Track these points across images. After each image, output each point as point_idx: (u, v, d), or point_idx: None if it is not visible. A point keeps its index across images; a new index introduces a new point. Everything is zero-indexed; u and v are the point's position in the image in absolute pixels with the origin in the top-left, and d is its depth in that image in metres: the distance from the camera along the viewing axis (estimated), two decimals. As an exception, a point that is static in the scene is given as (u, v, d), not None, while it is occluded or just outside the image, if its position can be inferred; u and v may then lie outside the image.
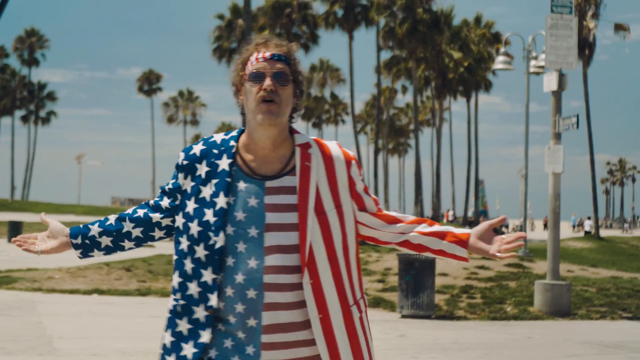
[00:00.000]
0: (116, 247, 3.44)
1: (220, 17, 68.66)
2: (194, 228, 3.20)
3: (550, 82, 16.28)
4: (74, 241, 3.43)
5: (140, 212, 3.41)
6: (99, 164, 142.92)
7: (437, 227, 3.36)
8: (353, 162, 3.33)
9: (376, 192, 62.66)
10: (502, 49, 30.72)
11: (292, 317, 3.14)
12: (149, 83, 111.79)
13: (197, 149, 3.30)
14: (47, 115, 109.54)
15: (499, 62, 29.54)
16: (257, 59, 3.21)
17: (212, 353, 3.19)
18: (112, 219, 3.43)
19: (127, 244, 3.43)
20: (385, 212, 3.40)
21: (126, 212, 3.45)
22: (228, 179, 3.20)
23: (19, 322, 12.65)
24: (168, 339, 3.26)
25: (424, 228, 3.35)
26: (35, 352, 9.96)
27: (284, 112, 3.19)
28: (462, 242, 3.32)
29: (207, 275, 3.16)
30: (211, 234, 3.15)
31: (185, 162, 3.30)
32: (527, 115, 29.97)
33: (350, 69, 61.27)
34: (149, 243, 3.51)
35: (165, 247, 37.60)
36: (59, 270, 21.08)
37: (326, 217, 3.19)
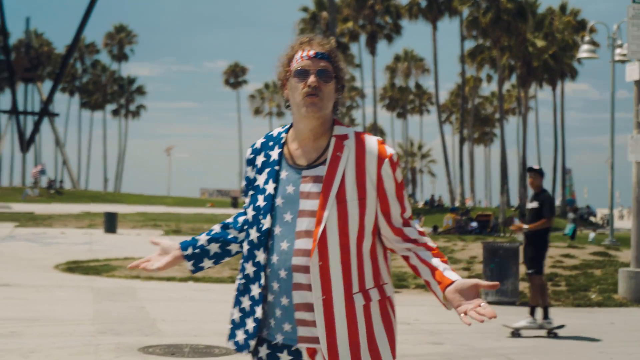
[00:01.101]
0: (224, 252, 3.67)
1: (305, 9, 69.46)
2: (250, 213, 3.47)
3: (632, 71, 16.43)
4: (185, 253, 3.65)
5: (241, 218, 3.68)
6: (187, 156, 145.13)
7: (435, 260, 3.40)
8: (387, 160, 3.40)
9: (462, 182, 62.58)
10: (587, 37, 30.59)
11: (308, 298, 3.33)
12: (235, 76, 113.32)
13: (259, 142, 3.57)
14: (137, 108, 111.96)
15: (583, 51, 29.46)
16: (302, 57, 3.42)
17: (264, 332, 3.46)
18: (217, 227, 3.69)
19: (233, 247, 3.67)
20: (405, 228, 3.45)
21: (229, 220, 3.71)
22: (276, 167, 3.43)
23: (123, 306, 13.46)
24: (236, 314, 3.52)
25: (425, 255, 3.42)
26: (141, 333, 10.70)
27: (326, 106, 3.38)
28: (444, 286, 3.35)
29: (259, 255, 3.40)
30: (261, 217, 3.40)
31: (250, 156, 3.57)
32: (612, 103, 29.95)
33: (434, 59, 61.40)
34: None
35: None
36: (155, 259, 21.96)
37: (346, 206, 3.32)
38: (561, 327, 11.87)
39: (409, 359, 9.41)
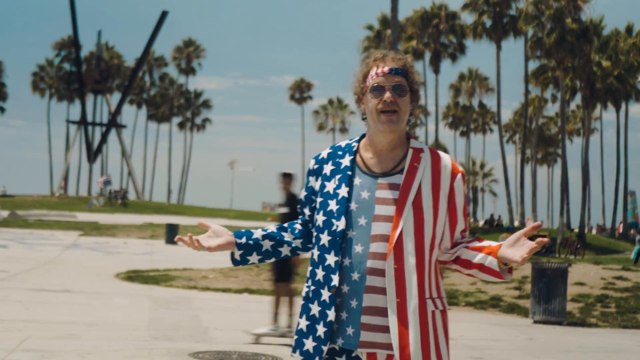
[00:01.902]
0: (274, 252, 3.71)
1: (370, 27, 70.04)
2: (320, 218, 3.54)
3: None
4: (239, 241, 3.67)
5: (298, 226, 3.75)
6: (250, 170, 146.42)
7: (483, 242, 3.56)
8: (459, 175, 3.57)
9: (522, 202, 62.37)
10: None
11: (378, 301, 3.42)
12: (300, 91, 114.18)
13: (325, 153, 3.68)
14: (203, 122, 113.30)
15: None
16: (377, 73, 3.53)
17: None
18: (272, 228, 3.74)
19: (285, 249, 3.72)
20: (460, 241, 3.62)
21: (284, 225, 3.78)
22: (349, 172, 3.54)
23: (178, 314, 14.00)
24: (303, 323, 3.54)
25: (472, 243, 3.57)
26: (193, 340, 11.21)
27: (402, 119, 3.51)
28: (494, 252, 3.47)
29: (330, 259, 3.46)
30: (334, 220, 3.47)
31: (315, 167, 3.66)
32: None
33: (497, 78, 61.36)
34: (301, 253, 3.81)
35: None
36: (212, 271, 22.59)
37: (422, 212, 3.44)
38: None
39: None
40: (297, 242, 3.73)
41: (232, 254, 3.69)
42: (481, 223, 78.30)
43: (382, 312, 3.40)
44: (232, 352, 10.26)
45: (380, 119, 3.48)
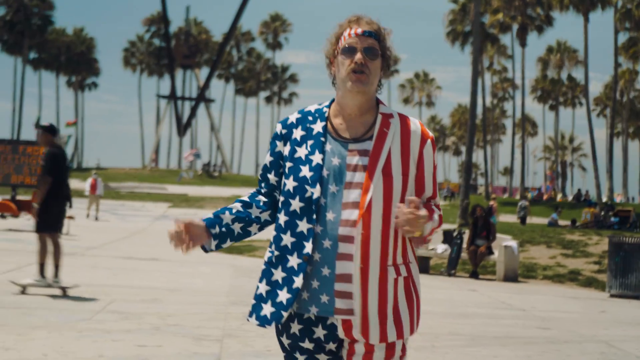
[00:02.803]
0: (245, 233, 3.58)
1: (455, 1, 69.54)
2: (290, 184, 3.43)
3: None
4: (213, 231, 3.51)
5: (262, 197, 3.61)
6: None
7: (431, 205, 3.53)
8: (429, 140, 3.50)
9: (611, 177, 61.41)
10: None
11: (351, 268, 3.36)
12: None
13: (293, 117, 3.58)
14: (289, 96, 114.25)
15: None
16: (349, 34, 3.46)
17: (295, 305, 3.42)
18: (237, 206, 3.59)
19: (254, 228, 3.59)
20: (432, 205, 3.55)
21: (246, 198, 3.62)
22: (322, 139, 3.46)
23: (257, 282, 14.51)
24: (263, 288, 3.45)
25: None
26: (269, 306, 11.68)
27: (371, 82, 3.44)
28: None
29: (302, 225, 3.39)
30: (307, 187, 3.39)
31: (284, 131, 3.55)
32: None
33: (585, 51, 60.36)
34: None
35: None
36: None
37: (392, 179, 3.38)
38: (74, 287, 11.68)
39: (514, 340, 10.01)
40: (265, 215, 3.60)
41: (203, 246, 3.53)
42: (570, 198, 77.41)
43: (351, 278, 3.35)
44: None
45: (349, 78, 3.42)
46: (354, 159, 3.41)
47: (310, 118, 3.54)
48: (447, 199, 77.69)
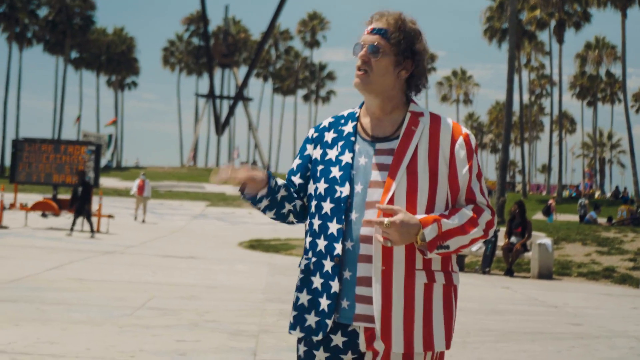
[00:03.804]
0: (281, 204, 3.47)
1: (492, -2, 69.43)
2: (321, 186, 3.35)
3: None
4: (270, 184, 3.42)
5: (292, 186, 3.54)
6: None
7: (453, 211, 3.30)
8: (461, 137, 3.32)
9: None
10: None
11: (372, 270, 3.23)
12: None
13: (326, 122, 3.53)
14: (327, 94, 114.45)
15: None
16: (364, 32, 3.41)
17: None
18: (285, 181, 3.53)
19: (287, 206, 3.49)
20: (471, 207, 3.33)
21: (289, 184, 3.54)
22: (352, 138, 3.38)
23: (294, 280, 14.75)
24: (305, 297, 3.32)
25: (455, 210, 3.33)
26: (304, 303, 11.94)
27: (374, 80, 3.33)
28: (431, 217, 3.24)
29: (333, 227, 3.27)
30: (337, 186, 3.29)
31: (315, 135, 3.50)
32: None
33: (622, 47, 59.99)
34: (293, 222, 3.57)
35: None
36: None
37: (417, 177, 3.23)
38: None
39: (544, 335, 10.17)
40: (298, 204, 3.51)
41: (244, 194, 3.44)
42: (608, 195, 76.89)
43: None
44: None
45: (355, 75, 3.38)
46: (381, 158, 3.30)
47: (342, 121, 3.48)
48: (484, 197, 77.55)
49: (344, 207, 3.26)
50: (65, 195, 34.89)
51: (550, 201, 38.94)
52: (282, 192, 3.45)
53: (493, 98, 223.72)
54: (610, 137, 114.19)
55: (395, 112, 3.39)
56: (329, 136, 3.46)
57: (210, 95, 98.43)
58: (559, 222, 33.69)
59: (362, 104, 3.50)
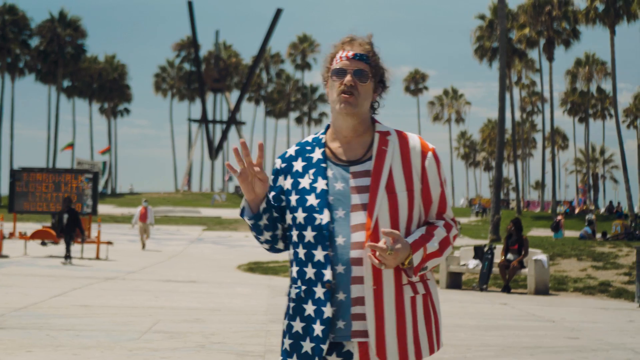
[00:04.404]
0: (273, 224, 3.53)
1: (482, 17, 69.98)
2: (300, 216, 3.42)
3: None
4: (268, 195, 3.52)
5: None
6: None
7: (421, 231, 3.44)
8: (430, 153, 3.48)
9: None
10: None
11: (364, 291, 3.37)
12: (415, 82, 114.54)
13: (291, 150, 3.59)
14: (319, 116, 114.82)
15: None
16: (341, 57, 3.48)
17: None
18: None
19: (279, 228, 3.56)
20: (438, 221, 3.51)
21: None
22: (323, 164, 3.46)
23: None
24: (299, 325, 3.39)
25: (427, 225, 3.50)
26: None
27: (361, 104, 3.45)
28: (415, 238, 3.40)
29: (319, 254, 3.36)
30: (316, 214, 3.38)
31: (282, 165, 3.56)
32: None
33: (612, 63, 60.48)
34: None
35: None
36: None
37: (396, 196, 3.38)
38: None
39: (542, 350, 10.40)
40: (281, 229, 3.58)
41: (243, 209, 3.53)
42: (602, 210, 77.23)
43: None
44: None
45: (339, 99, 3.44)
46: (357, 181, 3.40)
47: (308, 148, 3.55)
48: (478, 215, 77.85)
49: (327, 234, 3.35)
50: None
51: (559, 217, 39.16)
52: (274, 213, 3.54)
53: (485, 116, 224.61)
54: (602, 152, 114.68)
55: (366, 134, 3.51)
56: (298, 165, 3.52)
57: (203, 120, 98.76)
58: (568, 238, 33.93)
59: (327, 128, 3.58)
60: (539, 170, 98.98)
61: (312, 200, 3.42)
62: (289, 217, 3.49)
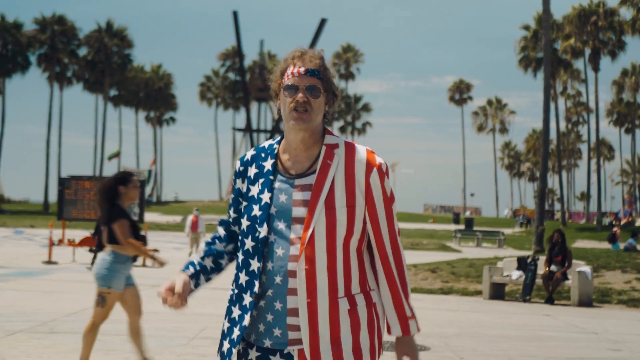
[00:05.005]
0: (217, 267, 3.66)
1: (526, 27, 69.70)
2: (244, 223, 3.52)
3: None
4: (189, 272, 3.59)
5: (222, 231, 3.71)
6: (411, 172, 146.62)
7: (387, 301, 3.52)
8: (375, 168, 3.48)
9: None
10: None
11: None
12: (460, 92, 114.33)
13: (249, 154, 3.64)
14: (363, 125, 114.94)
15: None
16: (292, 73, 3.49)
17: (252, 337, 3.51)
18: (203, 246, 3.70)
19: (224, 260, 3.68)
20: (387, 245, 3.52)
21: (209, 239, 3.73)
22: (271, 177, 3.51)
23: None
24: (226, 325, 3.55)
25: (383, 288, 3.52)
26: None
27: (314, 119, 3.47)
28: (399, 326, 3.52)
29: (254, 264, 3.46)
30: (257, 226, 3.46)
31: (241, 169, 3.64)
32: None
33: (659, 74, 59.98)
34: None
35: (469, 252, 39.56)
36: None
37: (335, 212, 3.40)
38: None
39: (584, 361, 10.51)
40: (230, 247, 3.70)
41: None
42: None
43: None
44: (385, 343, 11.31)
45: (291, 116, 3.45)
46: (299, 195, 3.43)
47: (263, 155, 3.60)
48: (522, 226, 77.44)
49: (261, 248, 3.44)
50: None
51: (615, 229, 38.95)
52: (209, 260, 3.65)
53: (530, 126, 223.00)
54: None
55: (314, 147, 3.53)
56: (252, 171, 3.59)
57: (248, 129, 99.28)
58: (612, 251, 33.74)
59: (281, 139, 3.61)
60: (584, 181, 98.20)
61: (255, 210, 3.50)
62: (241, 221, 3.59)
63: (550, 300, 18.79)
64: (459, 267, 24.15)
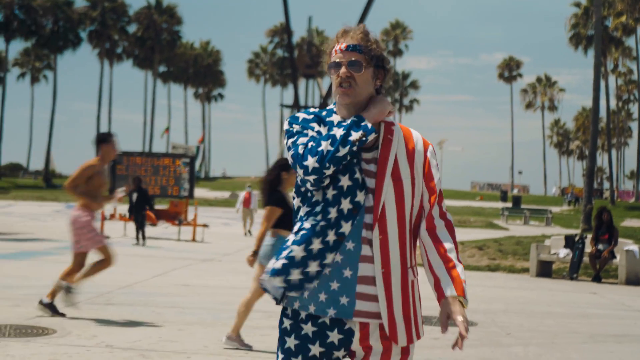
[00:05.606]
0: None
1: (577, 4, 68.99)
2: (345, 182, 3.45)
3: None
4: None
5: None
6: (459, 149, 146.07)
7: (446, 256, 3.50)
8: (430, 146, 3.62)
9: None
10: None
11: (372, 271, 3.42)
12: (509, 70, 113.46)
13: (304, 114, 3.64)
14: (410, 102, 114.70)
15: None
16: (335, 50, 3.60)
17: (311, 307, 3.44)
18: None
19: None
20: (435, 213, 3.56)
21: None
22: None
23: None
24: (299, 253, 3.40)
25: (440, 246, 3.52)
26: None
27: (359, 93, 3.52)
28: (453, 287, 3.46)
29: (345, 204, 3.42)
30: (358, 190, 3.44)
31: (311, 116, 3.62)
32: None
33: None
34: None
35: (516, 230, 39.47)
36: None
37: (402, 183, 3.47)
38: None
39: (630, 338, 10.59)
40: None
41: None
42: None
43: (373, 281, 3.40)
44: (432, 317, 11.47)
45: (337, 92, 3.53)
46: (366, 166, 3.47)
47: (324, 113, 3.63)
48: (570, 204, 76.92)
49: (361, 184, 3.44)
50: (163, 206, 36.13)
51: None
52: None
53: (579, 104, 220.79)
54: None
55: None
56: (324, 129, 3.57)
57: (295, 106, 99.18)
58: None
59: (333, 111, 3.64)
60: (634, 159, 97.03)
61: (358, 174, 3.48)
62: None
63: (597, 279, 18.83)
64: (506, 244, 24.18)
